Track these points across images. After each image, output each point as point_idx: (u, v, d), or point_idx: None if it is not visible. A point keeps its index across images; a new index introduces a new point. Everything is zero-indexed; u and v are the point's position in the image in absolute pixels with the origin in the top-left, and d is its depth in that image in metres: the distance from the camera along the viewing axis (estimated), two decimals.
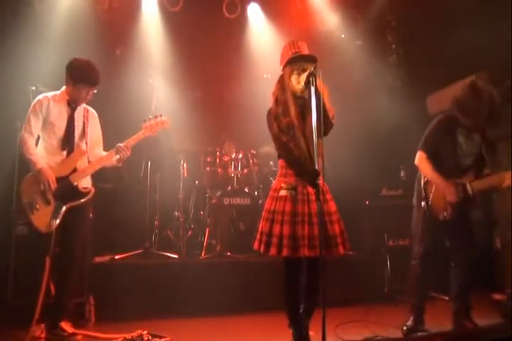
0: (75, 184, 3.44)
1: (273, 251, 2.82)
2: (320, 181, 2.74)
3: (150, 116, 3.69)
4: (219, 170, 5.59)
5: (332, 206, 2.97)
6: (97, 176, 4.36)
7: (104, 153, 3.65)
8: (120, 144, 3.55)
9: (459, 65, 5.30)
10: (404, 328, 3.47)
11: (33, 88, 3.88)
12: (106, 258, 4.47)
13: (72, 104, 3.54)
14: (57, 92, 3.55)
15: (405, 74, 6.11)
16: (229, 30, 6.46)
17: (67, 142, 3.48)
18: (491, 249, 4.91)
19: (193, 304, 4.07)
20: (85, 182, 3.53)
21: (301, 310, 2.99)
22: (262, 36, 6.57)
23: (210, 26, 6.25)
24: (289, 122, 2.91)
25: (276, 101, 3.00)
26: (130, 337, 3.30)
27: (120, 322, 3.73)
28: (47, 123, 3.45)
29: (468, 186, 3.37)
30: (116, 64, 5.81)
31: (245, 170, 5.61)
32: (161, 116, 3.70)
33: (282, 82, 3.01)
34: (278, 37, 6.44)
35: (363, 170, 5.56)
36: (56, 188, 3.35)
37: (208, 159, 5.71)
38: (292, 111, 2.93)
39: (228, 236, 5.05)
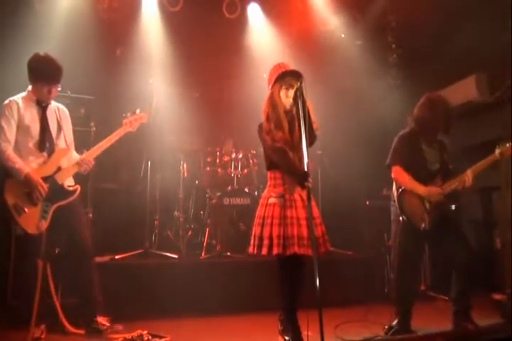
0: (61, 183, 3.37)
1: (264, 251, 3.01)
2: (309, 184, 2.93)
3: (129, 113, 3.68)
4: (219, 170, 5.59)
5: (315, 211, 3.14)
6: (97, 176, 4.39)
7: (76, 155, 3.59)
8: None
9: (459, 65, 5.30)
10: (386, 327, 3.49)
11: None
12: (106, 258, 4.47)
13: (42, 103, 3.43)
14: (24, 93, 3.44)
15: (405, 74, 6.11)
16: (229, 30, 6.46)
17: (45, 143, 3.39)
18: (491, 249, 4.91)
19: (193, 304, 4.07)
20: (69, 181, 3.47)
21: None
22: (262, 36, 6.57)
23: (210, 26, 6.25)
24: (282, 137, 3.07)
25: (268, 118, 3.13)
26: (130, 337, 3.29)
27: (120, 322, 3.73)
28: (21, 127, 3.34)
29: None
30: (117, 64, 5.81)
31: (245, 170, 5.61)
32: (139, 112, 3.70)
33: (272, 100, 3.15)
34: (278, 37, 6.44)
35: (363, 170, 5.57)
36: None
37: (208, 159, 5.71)
38: (285, 126, 3.09)
39: (228, 236, 5.05)
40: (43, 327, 3.29)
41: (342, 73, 6.25)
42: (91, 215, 4.13)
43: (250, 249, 3.11)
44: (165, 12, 6.18)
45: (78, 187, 3.48)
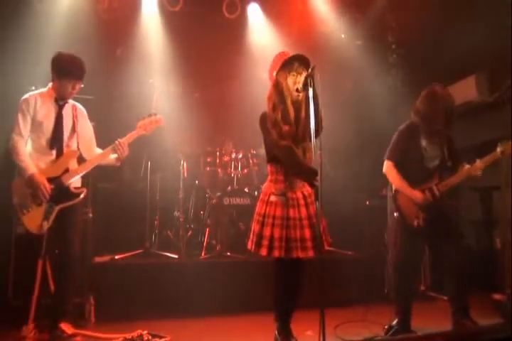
0: (67, 185, 3.37)
1: (264, 251, 2.95)
2: (317, 182, 2.82)
3: (144, 115, 3.61)
4: (219, 170, 5.60)
5: (315, 207, 3.03)
6: (97, 176, 4.38)
7: (99, 151, 3.59)
8: (117, 140, 3.46)
9: (459, 64, 5.30)
10: (386, 327, 3.48)
11: (33, 88, 3.86)
12: (106, 258, 4.47)
13: (59, 101, 3.44)
14: (44, 90, 3.47)
15: (405, 74, 6.11)
16: (229, 31, 6.46)
17: (56, 141, 3.39)
18: (491, 249, 4.90)
19: (193, 304, 4.07)
20: (76, 182, 3.47)
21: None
22: (262, 36, 6.57)
23: (210, 26, 6.25)
24: (290, 129, 2.95)
25: (274, 106, 3.00)
26: (130, 337, 3.30)
27: (120, 322, 3.74)
28: (35, 123, 3.37)
29: (434, 189, 3.44)
30: (117, 64, 5.82)
31: (245, 170, 5.62)
32: (155, 115, 3.62)
33: (279, 88, 3.01)
34: (278, 37, 6.44)
35: (363, 170, 5.57)
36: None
37: (208, 159, 5.71)
38: (292, 117, 2.98)
39: (228, 236, 5.05)
40: (31, 326, 3.27)
41: (342, 73, 6.25)
42: (91, 215, 4.12)
43: (249, 245, 3.04)
44: (165, 12, 6.19)
45: (84, 189, 3.46)
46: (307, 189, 3.06)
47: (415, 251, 3.59)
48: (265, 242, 2.94)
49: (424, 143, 3.55)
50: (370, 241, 5.07)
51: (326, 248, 3.15)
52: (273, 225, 2.94)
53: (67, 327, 3.37)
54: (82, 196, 3.42)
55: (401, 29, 6.12)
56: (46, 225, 3.25)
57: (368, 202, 5.20)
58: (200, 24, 6.18)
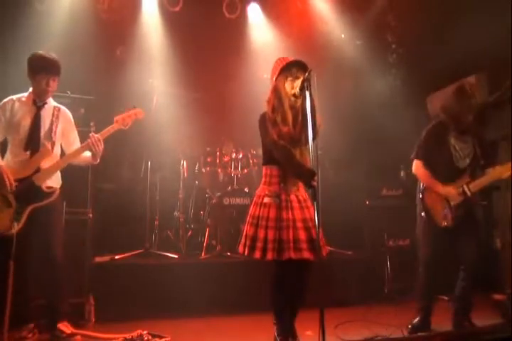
0: (38, 184, 3.31)
1: (257, 254, 2.92)
2: (315, 183, 2.79)
3: (122, 109, 3.57)
4: (219, 170, 5.60)
5: (311, 212, 3.02)
6: (97, 176, 4.39)
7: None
8: (91, 134, 3.39)
9: (459, 65, 5.30)
10: (410, 326, 3.50)
11: None
12: (106, 258, 4.47)
13: (38, 103, 3.44)
14: (25, 94, 3.47)
15: (405, 74, 6.12)
16: (229, 31, 6.46)
17: (31, 142, 3.36)
18: (491, 249, 4.90)
19: (193, 304, 4.07)
20: (52, 182, 3.40)
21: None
22: (262, 36, 6.57)
23: (210, 26, 6.25)
24: (289, 131, 2.96)
25: (274, 109, 3.02)
26: (130, 337, 3.30)
27: (120, 322, 3.74)
28: (12, 125, 3.36)
29: (465, 188, 3.40)
30: (117, 64, 5.82)
31: (245, 170, 5.62)
32: (134, 108, 3.57)
33: (277, 91, 3.04)
34: (278, 37, 6.45)
35: (362, 170, 5.56)
36: (17, 189, 3.26)
37: (208, 159, 5.72)
38: (290, 120, 2.99)
39: (228, 236, 5.04)
40: (31, 326, 3.31)
41: (342, 73, 6.25)
42: (91, 215, 4.12)
43: (240, 249, 3.01)
44: (165, 12, 6.19)
45: (57, 189, 3.41)
46: (302, 194, 3.07)
47: (444, 250, 3.53)
48: (259, 244, 2.91)
49: (453, 141, 3.48)
50: (370, 241, 5.06)
51: (325, 253, 3.07)
52: (267, 227, 2.92)
53: (66, 327, 3.38)
54: (55, 195, 3.36)
55: (401, 29, 6.12)
56: (16, 226, 3.18)
57: (367, 202, 5.20)
58: (200, 24, 6.18)
